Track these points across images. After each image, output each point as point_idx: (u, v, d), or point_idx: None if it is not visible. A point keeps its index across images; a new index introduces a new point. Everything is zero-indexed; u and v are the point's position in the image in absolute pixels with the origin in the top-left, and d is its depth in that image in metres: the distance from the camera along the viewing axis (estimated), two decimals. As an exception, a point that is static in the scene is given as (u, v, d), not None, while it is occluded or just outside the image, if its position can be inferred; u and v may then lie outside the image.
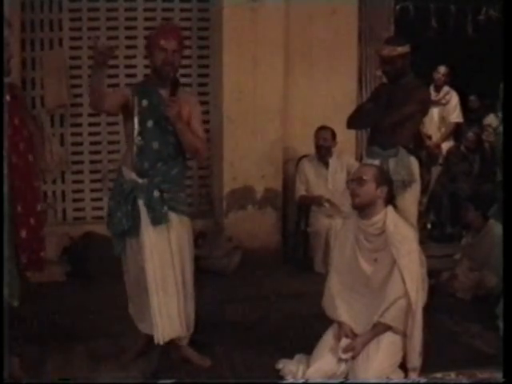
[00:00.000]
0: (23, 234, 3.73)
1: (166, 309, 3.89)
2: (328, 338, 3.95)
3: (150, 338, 4.05)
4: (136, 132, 3.92)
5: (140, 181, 3.90)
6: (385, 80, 5.28)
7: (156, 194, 3.88)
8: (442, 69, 7.96)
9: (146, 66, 6.33)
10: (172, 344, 4.03)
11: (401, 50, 4.80)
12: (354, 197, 3.86)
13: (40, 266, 4.06)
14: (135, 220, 3.89)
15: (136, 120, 3.91)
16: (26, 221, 3.78)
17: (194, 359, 4.09)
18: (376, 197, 3.84)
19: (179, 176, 4.05)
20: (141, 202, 3.89)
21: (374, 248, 3.87)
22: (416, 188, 4.91)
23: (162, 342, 3.90)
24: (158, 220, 3.88)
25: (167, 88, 3.89)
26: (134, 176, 3.92)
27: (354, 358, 3.81)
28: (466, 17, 7.77)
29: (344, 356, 3.82)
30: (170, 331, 3.91)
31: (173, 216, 3.95)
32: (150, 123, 3.91)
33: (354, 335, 3.88)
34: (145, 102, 3.92)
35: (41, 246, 4.01)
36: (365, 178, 3.84)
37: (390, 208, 3.88)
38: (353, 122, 5.14)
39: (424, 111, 5.06)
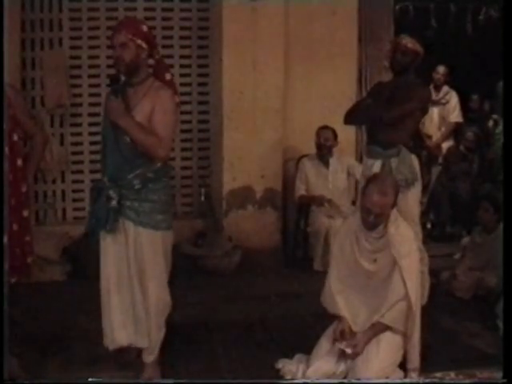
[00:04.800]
0: (4, 239, 3.64)
1: (118, 316, 3.79)
2: (327, 337, 3.95)
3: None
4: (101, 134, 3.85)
5: (107, 182, 3.71)
6: (389, 73, 5.31)
7: (102, 199, 3.68)
8: (442, 69, 7.96)
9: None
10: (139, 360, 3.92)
11: (418, 46, 4.89)
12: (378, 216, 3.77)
13: (26, 272, 4.02)
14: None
15: (102, 122, 3.85)
16: (9, 226, 3.73)
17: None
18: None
19: (137, 182, 3.68)
20: None
21: (373, 249, 3.87)
22: (418, 186, 4.93)
23: (110, 348, 3.85)
24: (100, 226, 3.70)
25: (133, 87, 3.69)
26: (105, 178, 3.74)
27: (356, 355, 3.81)
28: (466, 17, 7.77)
29: (346, 348, 3.80)
30: (120, 340, 3.83)
31: (130, 227, 3.72)
32: (107, 125, 3.72)
33: (352, 333, 3.88)
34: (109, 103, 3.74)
35: (27, 251, 3.97)
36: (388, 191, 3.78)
37: (392, 210, 3.87)
38: (351, 118, 5.14)
39: (424, 110, 5.09)
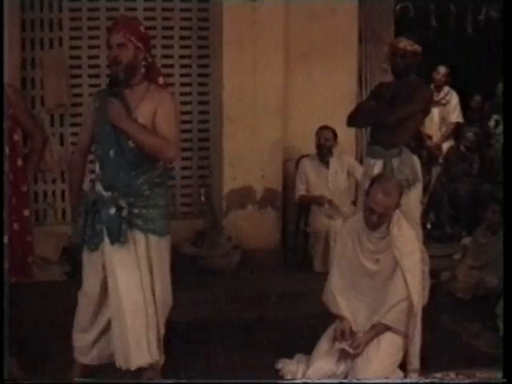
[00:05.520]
0: (5, 239, 3.62)
1: (133, 334, 3.57)
2: (328, 337, 3.95)
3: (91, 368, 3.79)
4: (94, 141, 3.64)
5: (105, 194, 3.54)
6: (389, 75, 5.31)
7: (112, 210, 3.50)
8: (442, 69, 7.96)
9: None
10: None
11: (416, 47, 4.87)
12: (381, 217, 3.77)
13: (26, 272, 4.01)
14: (97, 235, 3.57)
15: (91, 128, 3.62)
16: (9, 226, 3.71)
17: None
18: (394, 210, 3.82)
19: (146, 188, 3.58)
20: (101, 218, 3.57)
21: (376, 249, 3.87)
22: (419, 187, 4.93)
23: (124, 367, 3.60)
24: (113, 239, 3.52)
25: (129, 89, 3.55)
26: (99, 188, 3.57)
27: (356, 356, 3.80)
28: (466, 17, 7.76)
29: (347, 347, 3.80)
30: (136, 359, 3.59)
31: (139, 236, 3.58)
32: (107, 129, 3.52)
33: (352, 332, 3.88)
34: (104, 108, 3.53)
35: (27, 251, 3.96)
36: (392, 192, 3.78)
37: (395, 211, 3.86)
38: (354, 120, 5.14)
39: (426, 110, 5.09)
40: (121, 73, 3.53)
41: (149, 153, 3.52)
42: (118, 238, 3.52)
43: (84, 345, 3.77)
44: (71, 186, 3.84)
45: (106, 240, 3.55)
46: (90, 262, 3.69)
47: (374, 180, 3.92)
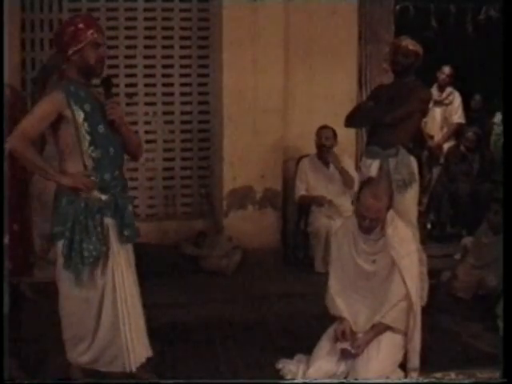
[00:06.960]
0: (6, 240, 3.64)
1: (137, 332, 3.57)
2: (328, 337, 3.95)
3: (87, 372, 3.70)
4: (87, 142, 3.42)
5: (103, 197, 3.45)
6: (389, 75, 5.33)
7: (130, 208, 3.53)
8: (447, 69, 7.94)
9: (146, 66, 6.36)
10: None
11: (418, 47, 4.91)
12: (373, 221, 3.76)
13: (27, 272, 4.01)
14: (105, 244, 3.47)
15: (84, 128, 3.41)
16: (9, 227, 3.71)
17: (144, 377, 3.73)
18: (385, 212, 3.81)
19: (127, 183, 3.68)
20: (109, 221, 3.48)
21: (371, 251, 3.86)
22: (416, 187, 4.93)
23: (134, 369, 3.54)
24: (133, 237, 3.55)
25: (91, 87, 3.52)
26: (95, 193, 3.43)
27: (356, 355, 3.81)
28: (466, 17, 7.77)
29: (349, 347, 3.80)
30: (140, 355, 3.59)
31: None
32: (101, 128, 3.45)
33: (353, 333, 3.88)
34: (87, 107, 3.43)
35: (28, 250, 3.97)
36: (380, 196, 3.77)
37: (389, 212, 3.86)
38: (352, 121, 5.16)
39: (424, 111, 5.10)
40: (101, 72, 3.53)
41: (133, 151, 3.65)
42: (135, 236, 3.57)
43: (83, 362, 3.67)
44: (42, 168, 3.41)
45: (115, 244, 3.49)
46: (84, 281, 3.49)
47: (363, 185, 3.90)
